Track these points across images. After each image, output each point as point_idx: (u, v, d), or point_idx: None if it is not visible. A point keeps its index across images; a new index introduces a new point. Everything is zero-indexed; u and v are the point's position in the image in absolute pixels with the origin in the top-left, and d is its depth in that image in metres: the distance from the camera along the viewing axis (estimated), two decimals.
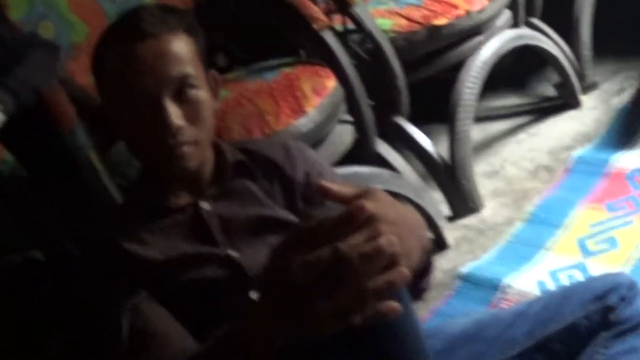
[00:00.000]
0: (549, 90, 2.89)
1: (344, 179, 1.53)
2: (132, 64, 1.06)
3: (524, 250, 1.98)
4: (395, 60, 2.09)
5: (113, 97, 1.12)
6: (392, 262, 0.71)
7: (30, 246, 1.41)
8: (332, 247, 0.69)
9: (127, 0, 1.76)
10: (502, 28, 2.46)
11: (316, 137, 1.72)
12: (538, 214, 2.13)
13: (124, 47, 1.07)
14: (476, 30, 2.33)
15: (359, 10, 2.05)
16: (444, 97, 2.31)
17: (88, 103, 1.60)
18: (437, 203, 2.19)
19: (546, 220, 2.09)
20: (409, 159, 2.17)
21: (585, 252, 1.91)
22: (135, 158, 1.18)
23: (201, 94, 1.11)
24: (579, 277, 1.81)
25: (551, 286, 1.79)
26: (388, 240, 0.70)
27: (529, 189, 2.29)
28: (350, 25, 2.07)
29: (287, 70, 1.87)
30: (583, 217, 2.06)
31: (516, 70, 2.91)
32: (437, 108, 2.38)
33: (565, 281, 1.81)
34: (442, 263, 2.00)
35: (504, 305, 1.75)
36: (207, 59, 1.17)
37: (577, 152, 2.40)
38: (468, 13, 2.26)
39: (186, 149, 1.09)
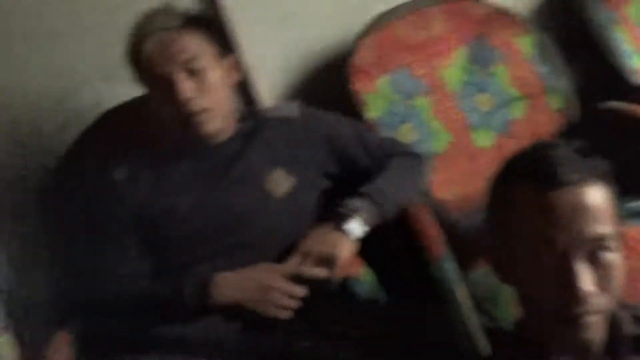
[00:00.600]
0: None
1: None
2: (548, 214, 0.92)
3: None
4: None
5: (516, 239, 0.98)
6: None
7: None
8: None
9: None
10: None
11: None
12: None
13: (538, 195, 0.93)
14: None
15: None
16: None
17: (445, 221, 1.50)
18: None
19: None
20: None
21: None
22: (523, 306, 1.03)
23: (616, 257, 0.94)
24: None
25: None
26: None
27: None
28: None
29: None
30: None
31: None
32: None
33: None
34: None
35: None
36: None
37: None
38: None
39: (593, 318, 0.91)
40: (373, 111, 1.59)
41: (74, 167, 1.55)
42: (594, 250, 0.93)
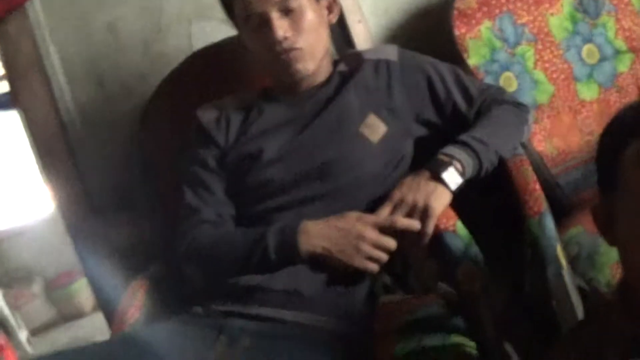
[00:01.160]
0: None
1: None
2: None
3: None
4: None
5: (623, 198, 0.89)
6: None
7: None
8: None
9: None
10: None
11: None
12: None
13: None
14: None
15: None
16: None
17: (544, 176, 1.41)
18: None
19: None
20: None
21: None
22: (625, 269, 0.94)
23: None
24: None
25: None
26: None
27: None
28: None
29: None
30: None
31: None
32: None
33: None
34: None
35: None
36: None
37: None
38: None
39: None
40: (474, 57, 1.49)
41: (162, 107, 1.53)
42: None
